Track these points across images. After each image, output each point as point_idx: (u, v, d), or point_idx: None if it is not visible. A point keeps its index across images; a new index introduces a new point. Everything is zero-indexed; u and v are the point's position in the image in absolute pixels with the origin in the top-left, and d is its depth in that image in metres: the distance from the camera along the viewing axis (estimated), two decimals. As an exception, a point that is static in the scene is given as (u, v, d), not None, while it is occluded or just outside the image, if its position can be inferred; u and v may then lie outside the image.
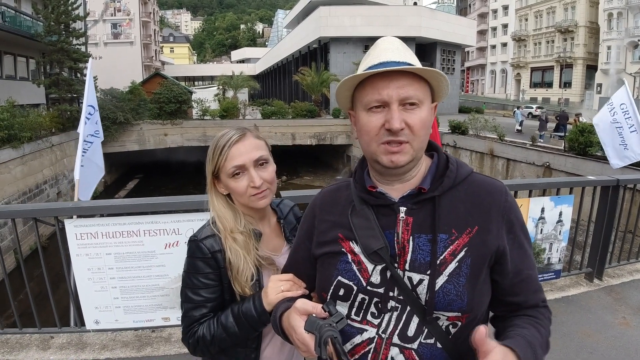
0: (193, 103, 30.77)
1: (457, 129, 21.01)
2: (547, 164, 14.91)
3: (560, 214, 3.86)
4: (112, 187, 27.75)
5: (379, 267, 1.13)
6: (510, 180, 16.00)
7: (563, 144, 16.05)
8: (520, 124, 25.27)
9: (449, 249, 1.10)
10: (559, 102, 47.66)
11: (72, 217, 2.93)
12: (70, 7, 23.33)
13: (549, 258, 3.93)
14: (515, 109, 28.83)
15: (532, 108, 39.66)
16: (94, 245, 2.95)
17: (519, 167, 16.48)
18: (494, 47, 67.14)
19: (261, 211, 1.53)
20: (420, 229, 1.12)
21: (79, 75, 24.29)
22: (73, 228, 2.93)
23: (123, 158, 28.51)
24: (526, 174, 15.96)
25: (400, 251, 1.12)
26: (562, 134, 19.61)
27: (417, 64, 1.10)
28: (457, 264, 1.09)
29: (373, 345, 1.13)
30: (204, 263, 1.40)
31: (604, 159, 10.60)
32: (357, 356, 1.15)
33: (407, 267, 1.11)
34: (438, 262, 1.09)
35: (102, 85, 27.27)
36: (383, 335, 1.12)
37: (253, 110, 34.66)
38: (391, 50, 1.12)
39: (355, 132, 1.19)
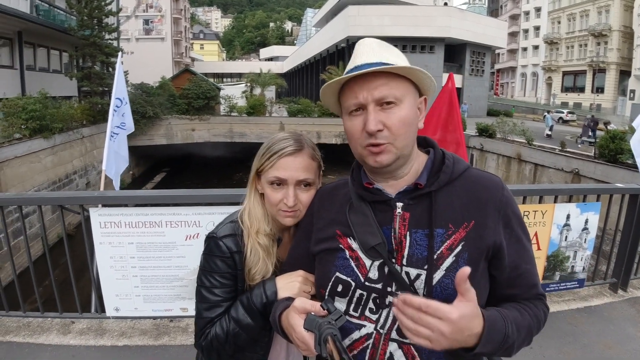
0: (221, 99, 31.22)
1: (485, 131, 20.70)
2: (576, 170, 14.55)
3: (586, 221, 3.77)
4: (140, 179, 28.33)
5: (376, 263, 1.14)
6: (535, 185, 15.69)
7: (593, 151, 15.63)
8: (550, 129, 24.72)
9: (445, 244, 1.10)
10: (590, 107, 46.40)
11: (97, 206, 3.02)
12: (103, 3, 24.00)
13: (572, 266, 3.84)
14: (546, 113, 28.22)
15: (562, 113, 38.70)
16: (117, 234, 3.03)
17: (547, 173, 16.11)
18: (525, 49, 65.73)
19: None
20: (417, 224, 1.13)
21: (110, 69, 24.88)
22: (97, 217, 3.01)
23: (151, 151, 29.10)
24: (554, 180, 15.61)
25: (397, 246, 1.13)
26: (592, 140, 19.10)
27: (395, 62, 1.10)
28: (454, 258, 1.09)
29: (371, 340, 1.14)
30: (222, 262, 1.36)
31: (635, 167, 10.27)
32: (355, 352, 1.15)
33: (404, 262, 1.12)
34: (435, 256, 1.09)
35: (133, 80, 27.91)
36: (381, 331, 1.13)
37: (279, 108, 34.87)
38: (366, 53, 1.13)
39: None
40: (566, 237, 3.74)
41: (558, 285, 3.83)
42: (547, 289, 3.80)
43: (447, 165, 1.17)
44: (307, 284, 1.31)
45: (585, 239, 3.80)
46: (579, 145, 20.49)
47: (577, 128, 24.01)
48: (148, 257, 3.06)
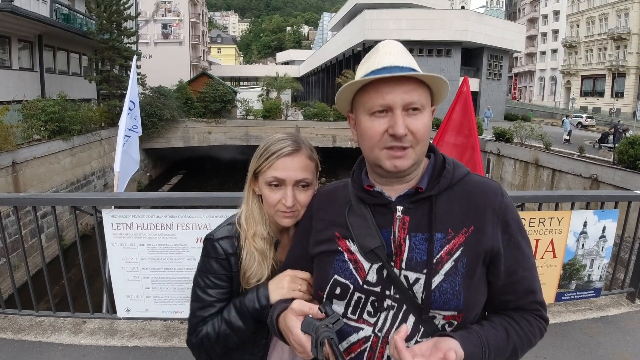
0: (237, 103, 31.47)
1: (502, 136, 20.43)
2: (595, 176, 14.27)
3: (604, 229, 3.69)
4: (157, 181, 28.66)
5: (375, 266, 1.14)
6: (551, 191, 15.43)
7: (612, 156, 15.32)
8: (569, 134, 24.33)
9: (445, 248, 1.10)
10: (610, 112, 45.54)
11: (110, 208, 3.05)
12: (122, 7, 24.39)
13: (589, 275, 3.76)
14: (564, 118, 27.81)
15: (581, 117, 38.08)
16: (129, 235, 3.06)
17: (565, 179, 15.83)
18: (543, 53, 64.94)
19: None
20: (416, 228, 1.13)
21: (129, 72, 25.22)
22: (110, 218, 3.05)
23: (168, 154, 29.45)
24: (572, 186, 15.32)
25: (396, 250, 1.13)
26: (612, 145, 18.73)
27: (418, 69, 1.11)
28: (453, 263, 1.10)
29: (369, 344, 1.14)
30: (218, 263, 1.38)
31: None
32: (353, 355, 1.16)
33: (403, 265, 1.12)
34: (434, 261, 1.10)
35: (151, 83, 28.31)
36: (379, 334, 1.13)
37: (295, 111, 35.00)
38: (394, 55, 1.12)
39: (355, 135, 1.21)
40: (583, 245, 3.67)
41: (574, 294, 3.76)
42: (563, 297, 3.73)
43: (447, 170, 1.17)
44: (296, 282, 1.31)
45: (603, 247, 3.72)
46: (598, 150, 20.14)
47: (597, 133, 23.56)
48: (159, 259, 3.08)
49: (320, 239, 1.24)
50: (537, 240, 3.51)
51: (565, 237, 3.57)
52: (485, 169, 20.65)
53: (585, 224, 3.62)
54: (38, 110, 16.04)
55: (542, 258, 3.55)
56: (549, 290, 3.65)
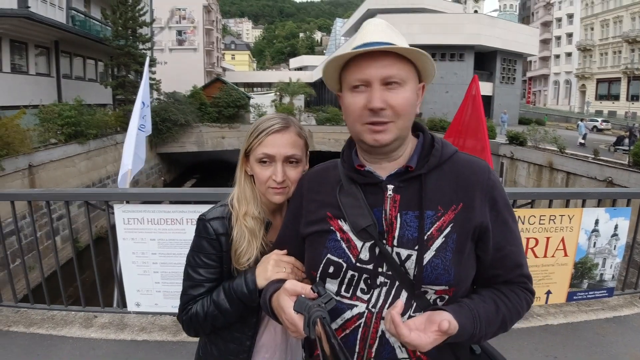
0: (250, 108, 31.68)
1: (515, 139, 20.24)
2: (610, 179, 14.04)
3: (616, 227, 3.63)
4: (171, 185, 28.89)
5: (367, 244, 1.15)
6: (562, 188, 15.21)
7: (627, 159, 15.08)
8: (584, 137, 24.04)
9: (435, 225, 1.12)
10: (625, 115, 44.81)
11: (122, 202, 3.10)
12: (137, 14, 24.82)
13: (601, 274, 3.71)
14: (579, 122, 27.44)
15: (597, 121, 37.52)
16: (140, 230, 3.10)
17: (580, 182, 15.61)
18: (557, 57, 64.27)
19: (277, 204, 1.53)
20: (407, 206, 1.14)
21: (144, 77, 25.53)
22: (121, 213, 3.10)
23: (182, 158, 29.73)
24: (587, 189, 15.11)
25: (388, 228, 1.14)
26: (627, 148, 18.43)
27: (402, 44, 1.11)
28: (443, 239, 1.11)
29: (363, 319, 1.15)
30: (208, 243, 1.41)
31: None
32: (348, 331, 1.17)
33: (395, 243, 1.13)
34: (425, 237, 1.11)
35: (166, 89, 28.70)
36: (373, 310, 1.14)
37: (308, 116, 35.08)
38: (376, 32, 1.13)
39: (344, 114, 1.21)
40: (594, 243, 3.62)
41: (586, 293, 3.71)
42: (575, 297, 3.68)
43: (436, 149, 1.19)
44: (280, 265, 1.33)
45: (615, 246, 3.67)
46: (613, 153, 19.84)
47: (612, 137, 23.22)
48: (169, 254, 3.12)
49: (312, 219, 1.25)
50: (548, 238, 3.48)
51: (576, 235, 3.53)
52: (499, 173, 20.46)
53: (597, 222, 3.58)
54: (54, 115, 16.37)
55: (552, 256, 3.52)
56: (560, 289, 3.61)
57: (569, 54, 61.36)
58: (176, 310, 3.21)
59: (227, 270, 1.43)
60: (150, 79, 26.59)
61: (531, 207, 3.55)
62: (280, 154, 1.38)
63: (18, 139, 12.79)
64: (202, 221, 1.44)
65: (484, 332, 1.10)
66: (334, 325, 1.18)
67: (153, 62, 27.71)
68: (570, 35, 60.95)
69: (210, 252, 1.41)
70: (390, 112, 1.09)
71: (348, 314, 1.17)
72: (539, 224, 3.42)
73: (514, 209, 3.06)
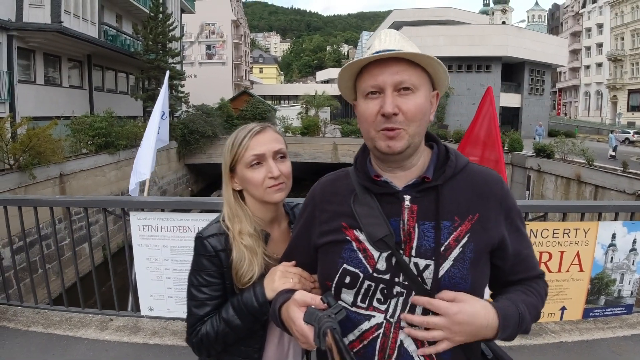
0: (277, 120, 32.03)
1: (542, 152, 19.77)
2: (639, 192, 13.57)
3: (634, 241, 3.54)
4: (198, 196, 29.29)
5: (384, 254, 1.15)
6: (577, 200, 14.69)
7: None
8: (614, 149, 23.25)
9: (452, 235, 1.14)
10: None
11: (138, 210, 3.22)
12: (167, 29, 25.52)
13: (619, 290, 3.60)
14: (610, 133, 26.61)
15: (629, 133, 36.36)
16: (154, 237, 3.21)
17: (608, 195, 15.09)
18: (588, 67, 62.76)
19: (273, 212, 1.52)
20: (424, 216, 1.16)
21: (174, 91, 26.19)
22: (136, 220, 3.21)
23: (209, 169, 30.15)
24: (615, 204, 14.56)
25: (406, 238, 1.15)
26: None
27: (414, 51, 1.13)
28: (461, 249, 1.13)
29: (382, 330, 1.15)
30: (208, 261, 1.40)
31: None
32: (366, 342, 1.17)
33: (413, 253, 1.14)
34: (443, 247, 1.13)
35: (195, 101, 29.34)
36: (391, 320, 1.15)
37: (334, 128, 35.20)
38: (388, 41, 1.16)
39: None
40: (612, 258, 3.53)
41: (603, 310, 3.60)
42: (591, 314, 3.58)
43: (451, 160, 1.21)
44: (287, 276, 1.33)
45: (634, 261, 3.57)
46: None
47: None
48: (181, 260, 3.21)
49: (326, 230, 1.25)
50: (562, 252, 3.41)
51: (592, 249, 3.45)
52: (526, 186, 20.00)
53: (614, 236, 3.49)
54: (86, 126, 16.94)
55: (567, 271, 3.44)
56: (575, 305, 3.52)
57: (599, 65, 59.88)
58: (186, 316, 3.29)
59: (230, 286, 1.42)
60: (179, 92, 27.29)
61: (543, 220, 3.50)
62: (269, 150, 1.42)
63: (50, 148, 13.24)
64: (199, 239, 1.43)
65: (527, 314, 1.15)
66: (351, 337, 1.17)
67: (182, 76, 28.39)
68: (600, 45, 59.53)
69: (211, 270, 1.40)
70: (402, 118, 1.11)
71: (366, 325, 1.17)
72: (552, 237, 3.36)
73: (526, 222, 3.02)
